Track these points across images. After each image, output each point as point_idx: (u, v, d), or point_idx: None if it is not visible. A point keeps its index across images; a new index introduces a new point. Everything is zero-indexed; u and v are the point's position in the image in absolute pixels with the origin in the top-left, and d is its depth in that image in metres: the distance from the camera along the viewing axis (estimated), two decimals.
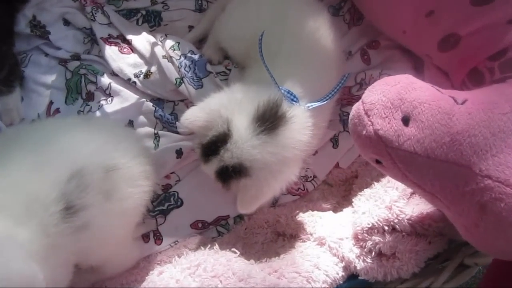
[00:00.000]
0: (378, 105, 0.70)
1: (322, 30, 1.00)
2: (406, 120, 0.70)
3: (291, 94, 0.91)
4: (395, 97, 0.70)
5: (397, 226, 0.84)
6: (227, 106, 0.87)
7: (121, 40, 1.12)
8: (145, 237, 1.03)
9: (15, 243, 0.67)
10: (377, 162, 0.74)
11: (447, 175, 0.68)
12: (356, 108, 0.73)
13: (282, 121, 0.86)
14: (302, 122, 0.89)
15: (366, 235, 0.86)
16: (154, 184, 0.94)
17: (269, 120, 0.85)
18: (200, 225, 1.04)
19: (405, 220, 0.84)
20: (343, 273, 0.88)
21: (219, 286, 0.77)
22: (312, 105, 0.92)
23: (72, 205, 0.74)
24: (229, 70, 1.12)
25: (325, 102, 0.94)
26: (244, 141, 0.84)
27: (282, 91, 0.90)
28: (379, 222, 0.85)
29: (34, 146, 0.80)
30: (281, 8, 1.01)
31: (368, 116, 0.70)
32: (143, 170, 0.88)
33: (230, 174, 0.85)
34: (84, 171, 0.77)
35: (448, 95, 0.72)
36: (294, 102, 0.90)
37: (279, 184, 0.89)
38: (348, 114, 1.07)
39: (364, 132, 0.71)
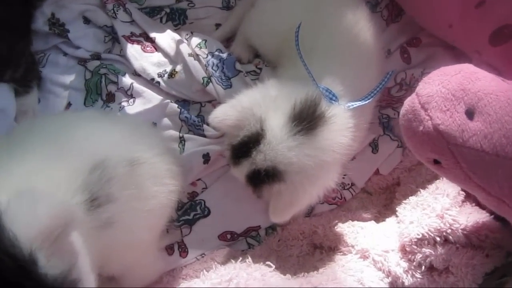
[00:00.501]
0: (437, 97, 0.64)
1: (361, 24, 0.94)
2: (470, 114, 0.63)
3: (330, 93, 0.85)
4: (456, 87, 0.64)
5: (450, 237, 0.78)
6: (261, 104, 0.82)
7: (144, 38, 1.10)
8: (169, 249, 0.98)
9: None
10: (435, 162, 0.67)
11: None
12: (409, 102, 0.67)
13: (320, 121, 0.80)
14: (342, 123, 0.83)
15: (415, 247, 0.80)
16: (181, 185, 0.89)
17: (307, 120, 0.79)
18: (228, 236, 0.99)
19: (459, 230, 0.77)
20: None
21: None
22: (353, 105, 0.86)
23: (96, 197, 0.72)
24: (260, 69, 1.08)
25: (367, 102, 0.88)
26: (279, 142, 0.78)
27: (321, 89, 0.84)
28: (429, 233, 0.79)
29: (54, 136, 0.78)
30: (316, 0, 0.96)
31: (426, 110, 0.64)
32: (168, 168, 0.85)
33: (263, 178, 0.79)
34: (107, 162, 0.74)
35: None
36: (333, 101, 0.84)
37: (316, 190, 0.83)
38: (388, 116, 1.05)
39: (421, 128, 0.64)
